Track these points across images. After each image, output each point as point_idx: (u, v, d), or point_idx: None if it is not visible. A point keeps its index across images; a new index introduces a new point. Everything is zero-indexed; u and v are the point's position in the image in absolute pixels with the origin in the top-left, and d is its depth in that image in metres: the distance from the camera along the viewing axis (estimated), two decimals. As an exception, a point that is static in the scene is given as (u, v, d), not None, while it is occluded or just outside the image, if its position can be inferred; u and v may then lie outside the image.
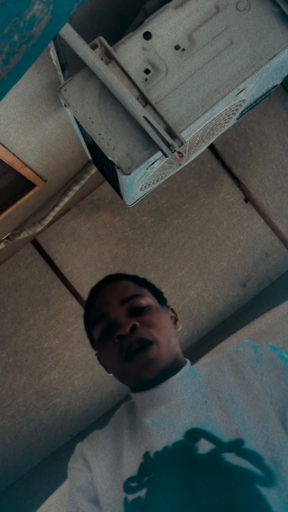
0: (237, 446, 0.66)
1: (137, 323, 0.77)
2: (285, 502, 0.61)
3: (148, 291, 0.88)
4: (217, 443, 0.67)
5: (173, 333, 0.84)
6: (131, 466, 0.72)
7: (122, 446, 0.76)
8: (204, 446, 0.67)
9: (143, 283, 0.90)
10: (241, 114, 1.25)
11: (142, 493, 0.67)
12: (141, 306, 0.81)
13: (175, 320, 0.90)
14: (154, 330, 0.78)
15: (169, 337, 0.81)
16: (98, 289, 0.88)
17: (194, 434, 0.70)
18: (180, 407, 0.75)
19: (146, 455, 0.72)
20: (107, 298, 0.84)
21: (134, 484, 0.69)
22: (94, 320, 0.83)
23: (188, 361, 0.85)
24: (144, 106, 0.88)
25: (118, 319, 0.79)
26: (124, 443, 0.76)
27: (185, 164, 1.24)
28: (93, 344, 0.88)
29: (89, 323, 0.86)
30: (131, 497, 0.68)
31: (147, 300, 0.84)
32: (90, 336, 0.88)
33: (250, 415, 0.70)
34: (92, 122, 0.90)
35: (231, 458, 0.65)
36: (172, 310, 0.92)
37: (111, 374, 0.85)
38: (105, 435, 0.81)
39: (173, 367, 0.79)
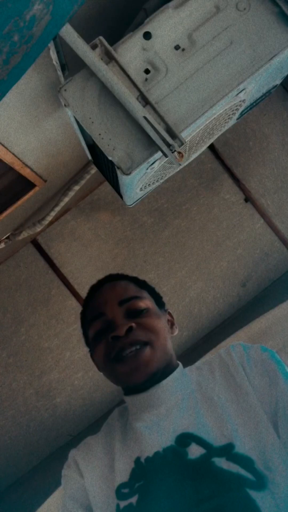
0: (227, 450, 0.65)
1: (134, 325, 0.77)
2: (276, 505, 0.60)
3: (148, 294, 0.87)
4: (207, 447, 0.67)
5: (169, 337, 0.84)
6: (122, 472, 0.71)
7: (114, 452, 0.76)
8: (194, 451, 0.67)
9: (143, 285, 0.89)
10: (241, 114, 1.25)
11: (133, 499, 0.67)
12: (139, 308, 0.81)
13: (171, 324, 0.89)
14: (150, 333, 0.78)
15: (164, 341, 0.80)
16: (98, 288, 0.88)
17: (184, 439, 0.69)
18: (170, 411, 0.75)
19: (137, 460, 0.71)
20: (106, 297, 0.83)
21: (125, 490, 0.69)
22: (91, 318, 0.83)
23: (180, 364, 0.84)
24: (144, 106, 0.88)
25: (115, 319, 0.79)
26: (116, 449, 0.76)
27: (185, 164, 1.24)
28: (87, 341, 0.88)
29: (86, 321, 0.86)
30: (122, 503, 0.68)
31: (146, 302, 0.83)
32: (85, 334, 0.88)
33: (241, 419, 0.69)
34: (92, 122, 0.90)
35: (222, 463, 0.64)
36: (170, 314, 0.91)
37: (102, 373, 0.84)
38: (98, 441, 0.81)
39: (166, 371, 0.79)
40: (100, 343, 0.80)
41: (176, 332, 0.89)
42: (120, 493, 0.69)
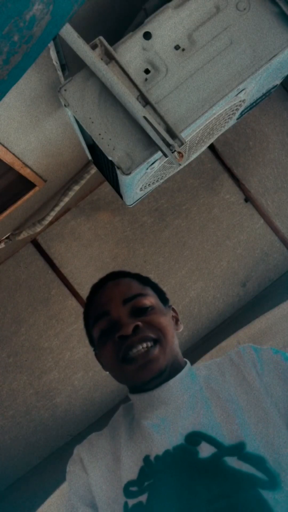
0: (239, 449, 0.65)
1: (140, 324, 0.76)
2: None
3: (151, 290, 0.86)
4: (218, 446, 0.66)
5: (175, 334, 0.83)
6: (130, 469, 0.71)
7: (121, 449, 0.75)
8: (205, 450, 0.66)
9: (146, 282, 0.88)
10: (241, 114, 1.25)
11: (143, 498, 0.66)
12: (144, 306, 0.79)
13: (176, 320, 0.88)
14: (157, 330, 0.77)
15: (172, 338, 0.79)
16: (100, 286, 0.86)
17: (194, 437, 0.68)
18: (180, 409, 0.74)
19: (146, 458, 0.70)
20: (109, 296, 0.82)
21: (134, 489, 0.68)
22: (95, 318, 0.81)
23: (188, 362, 0.83)
24: (144, 106, 0.88)
25: (120, 318, 0.77)
26: (123, 446, 0.75)
27: (185, 164, 1.23)
28: (91, 341, 0.86)
29: (89, 321, 0.84)
30: (131, 501, 0.67)
31: (150, 300, 0.82)
32: (89, 333, 0.86)
33: (252, 418, 0.69)
34: (92, 122, 0.90)
35: (233, 462, 0.63)
36: (174, 310, 0.90)
37: (108, 372, 0.84)
38: (103, 437, 0.80)
39: (173, 369, 0.78)
40: (106, 343, 0.78)
41: (181, 328, 0.88)
42: (128, 491, 0.69)
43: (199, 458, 0.66)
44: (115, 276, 0.88)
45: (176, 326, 0.87)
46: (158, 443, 0.71)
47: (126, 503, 0.68)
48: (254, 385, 0.72)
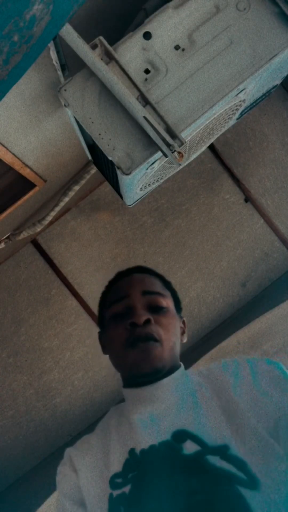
0: (222, 451, 0.67)
1: (152, 319, 0.79)
2: (268, 506, 0.60)
3: (171, 295, 0.90)
4: (202, 445, 0.68)
5: (178, 342, 0.86)
6: (116, 462, 0.73)
7: (109, 445, 0.77)
8: (189, 447, 0.68)
9: (168, 286, 0.93)
10: (241, 114, 1.25)
11: (126, 489, 0.68)
12: (160, 305, 0.83)
13: (183, 331, 0.91)
14: (164, 332, 0.79)
15: (174, 343, 0.82)
16: (126, 274, 0.90)
17: (181, 435, 0.71)
18: (170, 408, 0.76)
19: (132, 451, 0.73)
20: (132, 283, 0.86)
21: (119, 480, 0.70)
22: (113, 300, 0.85)
23: (182, 365, 0.86)
24: (144, 106, 0.88)
25: (136, 306, 0.80)
26: (112, 442, 0.77)
27: (185, 164, 1.23)
28: (101, 322, 0.90)
29: (106, 301, 0.88)
30: (115, 492, 0.69)
31: (168, 302, 0.86)
32: (100, 314, 0.90)
33: (238, 431, 0.69)
34: (92, 122, 0.90)
35: (215, 460, 0.66)
36: (184, 322, 0.93)
37: (108, 355, 0.86)
38: (94, 437, 0.83)
39: (169, 371, 0.81)
40: (116, 326, 0.81)
41: (185, 340, 0.91)
42: (113, 482, 0.71)
43: (183, 454, 0.68)
44: (142, 270, 0.92)
45: (181, 337, 0.89)
46: (144, 437, 0.73)
47: (111, 494, 0.70)
48: (238, 399, 0.73)
